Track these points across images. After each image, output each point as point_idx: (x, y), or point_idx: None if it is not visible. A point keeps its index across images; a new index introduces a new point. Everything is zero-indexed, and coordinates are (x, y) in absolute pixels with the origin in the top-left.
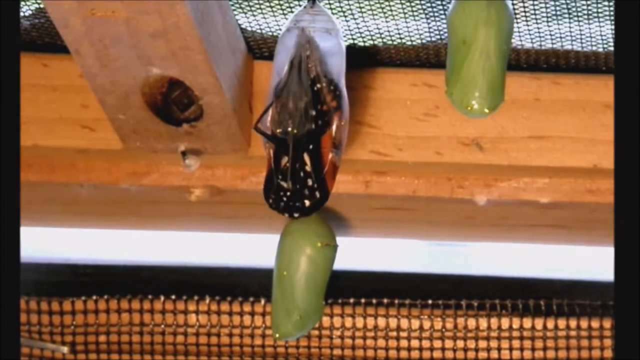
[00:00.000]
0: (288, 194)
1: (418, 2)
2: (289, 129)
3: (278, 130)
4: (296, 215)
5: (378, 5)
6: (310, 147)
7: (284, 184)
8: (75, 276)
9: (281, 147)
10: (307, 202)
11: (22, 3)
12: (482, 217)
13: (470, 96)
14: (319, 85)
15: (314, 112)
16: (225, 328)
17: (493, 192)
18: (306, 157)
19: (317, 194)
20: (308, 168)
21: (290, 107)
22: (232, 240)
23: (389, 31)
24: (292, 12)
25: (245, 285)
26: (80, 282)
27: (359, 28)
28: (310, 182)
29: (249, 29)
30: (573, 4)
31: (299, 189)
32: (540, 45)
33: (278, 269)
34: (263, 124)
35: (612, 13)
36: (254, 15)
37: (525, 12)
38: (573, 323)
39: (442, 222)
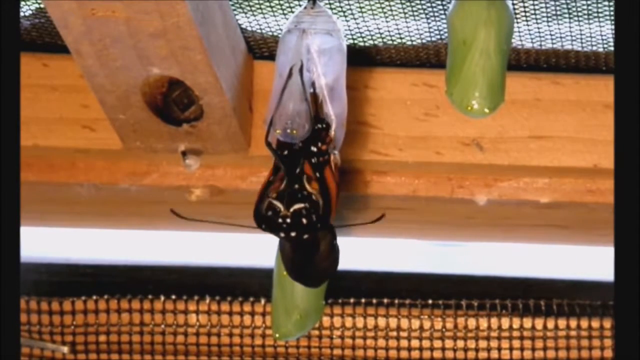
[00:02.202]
0: (285, 213)
1: (418, 2)
2: (288, 130)
3: (277, 132)
4: (293, 234)
5: (378, 5)
6: (316, 171)
7: (278, 204)
8: (75, 276)
9: (288, 166)
10: (306, 220)
11: (22, 3)
12: (482, 217)
13: (470, 96)
14: (317, 91)
15: (312, 117)
16: (225, 328)
17: (493, 192)
18: (306, 183)
19: (321, 212)
20: (308, 188)
21: (290, 111)
22: (232, 240)
23: (389, 31)
24: (292, 12)
25: (245, 285)
26: (80, 282)
27: (359, 28)
28: (308, 203)
29: (249, 29)
30: (573, 4)
31: (299, 208)
32: (540, 45)
33: (278, 269)
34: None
35: (612, 13)
36: (254, 15)
37: (525, 12)
38: (573, 323)
39: (442, 222)
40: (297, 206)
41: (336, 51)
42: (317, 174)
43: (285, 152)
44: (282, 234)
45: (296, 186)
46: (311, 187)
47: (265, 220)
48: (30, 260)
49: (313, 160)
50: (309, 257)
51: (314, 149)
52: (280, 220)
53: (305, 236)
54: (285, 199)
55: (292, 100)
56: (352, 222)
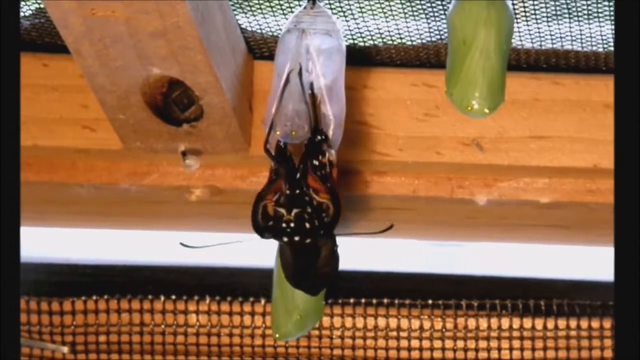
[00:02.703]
0: (289, 217)
1: (418, 2)
2: (288, 131)
3: (277, 133)
4: (296, 238)
5: (378, 5)
6: (323, 183)
7: (281, 209)
8: (75, 276)
9: (287, 171)
10: (308, 225)
11: (22, 3)
12: (482, 217)
13: (470, 96)
14: (316, 91)
15: (312, 119)
16: (225, 328)
17: (493, 192)
18: (314, 194)
19: (331, 219)
20: (317, 198)
21: (290, 112)
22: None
23: (389, 31)
24: (292, 12)
25: (245, 285)
26: (80, 282)
27: (359, 28)
28: (309, 207)
29: (249, 29)
30: (573, 4)
31: (301, 212)
32: (540, 45)
33: (278, 270)
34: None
35: (612, 13)
36: (254, 15)
37: (525, 12)
38: (573, 323)
39: (442, 222)
40: (299, 210)
41: (335, 51)
42: (328, 185)
43: (284, 165)
44: (286, 239)
45: (297, 191)
46: (320, 198)
47: (266, 227)
48: (30, 260)
49: (317, 174)
50: (310, 264)
51: (316, 162)
52: (283, 225)
53: (308, 240)
54: (287, 204)
55: (291, 102)
56: (359, 232)
